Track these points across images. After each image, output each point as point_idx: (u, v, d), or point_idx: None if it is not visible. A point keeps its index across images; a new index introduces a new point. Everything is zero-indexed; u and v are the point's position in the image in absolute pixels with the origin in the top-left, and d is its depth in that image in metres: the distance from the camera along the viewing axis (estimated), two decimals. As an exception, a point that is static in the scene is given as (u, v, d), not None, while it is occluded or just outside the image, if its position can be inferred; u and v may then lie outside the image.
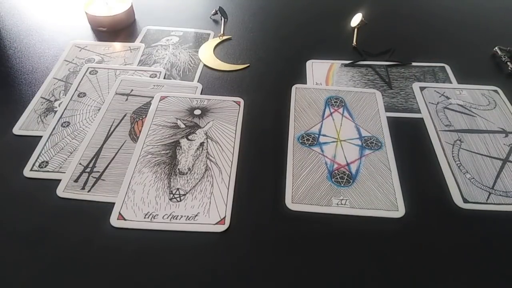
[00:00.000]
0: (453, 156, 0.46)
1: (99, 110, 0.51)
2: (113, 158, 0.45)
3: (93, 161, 0.44)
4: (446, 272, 0.36)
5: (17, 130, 0.48)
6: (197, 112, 0.50)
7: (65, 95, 0.53)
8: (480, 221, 0.40)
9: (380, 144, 0.47)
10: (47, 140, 0.47)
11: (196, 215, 0.40)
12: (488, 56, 0.62)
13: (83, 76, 0.56)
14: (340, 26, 0.68)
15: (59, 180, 0.42)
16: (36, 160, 0.44)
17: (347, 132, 0.48)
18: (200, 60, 0.60)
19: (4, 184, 0.42)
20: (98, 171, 0.43)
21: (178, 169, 0.44)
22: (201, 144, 0.46)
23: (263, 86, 0.56)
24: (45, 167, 0.44)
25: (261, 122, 0.50)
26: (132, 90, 0.54)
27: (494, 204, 0.41)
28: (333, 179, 0.43)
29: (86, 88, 0.54)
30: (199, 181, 0.43)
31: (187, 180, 0.43)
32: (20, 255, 0.36)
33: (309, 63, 0.59)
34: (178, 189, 0.42)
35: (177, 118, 0.50)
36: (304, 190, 0.42)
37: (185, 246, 0.38)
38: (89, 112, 0.51)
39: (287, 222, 0.40)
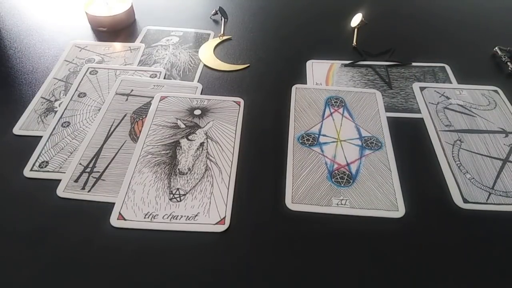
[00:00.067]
0: (453, 156, 0.46)
1: (99, 110, 0.51)
2: (113, 158, 0.45)
3: (93, 161, 0.44)
4: (446, 272, 0.36)
5: (17, 130, 0.48)
6: (197, 112, 0.50)
7: (65, 95, 0.53)
8: (480, 221, 0.40)
9: (380, 144, 0.47)
10: (47, 140, 0.47)
11: (196, 215, 0.40)
12: (488, 56, 0.62)
13: (83, 76, 0.56)
14: (340, 26, 0.68)
15: (59, 180, 0.42)
16: (36, 160, 0.44)
17: (347, 132, 0.48)
18: (200, 60, 0.60)
19: (4, 184, 0.42)
20: (98, 171, 0.43)
21: (178, 169, 0.44)
22: (201, 144, 0.46)
23: (263, 86, 0.56)
24: (45, 167, 0.44)
25: (261, 122, 0.50)
26: (132, 90, 0.54)
27: (494, 204, 0.41)
28: (333, 179, 0.43)
29: (86, 88, 0.54)
30: (199, 181, 0.43)
31: (187, 180, 0.43)
32: (20, 255, 0.37)
33: (309, 63, 0.60)
34: (178, 189, 0.42)
35: (177, 118, 0.50)
36: (304, 190, 0.42)
37: (185, 246, 0.38)
38: (89, 112, 0.51)
39: (287, 222, 0.40)
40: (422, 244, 0.38)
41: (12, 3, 0.72)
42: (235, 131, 0.48)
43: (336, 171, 0.44)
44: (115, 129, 0.48)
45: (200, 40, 0.64)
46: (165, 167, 0.44)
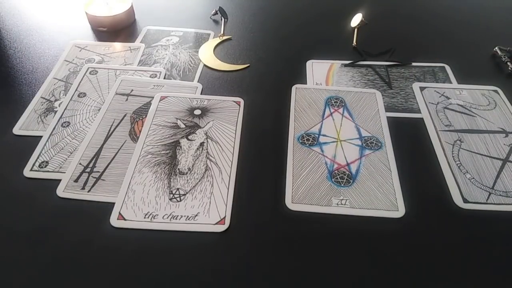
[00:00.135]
0: (453, 156, 0.46)
1: (99, 110, 0.51)
2: (113, 158, 0.45)
3: (93, 161, 0.44)
4: (446, 272, 0.36)
5: (17, 130, 0.48)
6: (197, 112, 0.50)
7: (65, 95, 0.53)
8: (480, 221, 0.40)
9: (380, 144, 0.47)
10: (47, 140, 0.47)
11: (196, 215, 0.40)
12: (488, 56, 0.62)
13: (83, 76, 0.56)
14: (340, 26, 0.68)
15: (59, 180, 0.42)
16: (36, 160, 0.44)
17: (347, 132, 0.48)
18: (200, 60, 0.60)
19: (4, 184, 0.42)
20: (98, 171, 0.43)
21: (178, 169, 0.44)
22: (201, 144, 0.46)
23: (263, 86, 0.56)
24: (45, 167, 0.44)
25: (261, 122, 0.50)
26: (132, 90, 0.54)
27: (494, 204, 0.41)
28: (333, 179, 0.43)
29: (86, 88, 0.54)
30: (199, 181, 0.43)
31: (187, 180, 0.43)
32: (20, 255, 0.37)
33: (309, 63, 0.59)
34: (178, 189, 0.42)
35: (177, 118, 0.50)
36: (304, 190, 0.42)
37: (185, 246, 0.38)
38: (89, 112, 0.51)
39: (287, 222, 0.40)
40: (422, 244, 0.38)
41: (12, 3, 0.72)
42: (235, 131, 0.48)
43: (336, 171, 0.44)
44: (115, 129, 0.48)
45: (200, 40, 0.64)
46: (165, 167, 0.44)
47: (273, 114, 0.51)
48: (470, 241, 0.38)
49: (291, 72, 0.58)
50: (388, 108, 0.52)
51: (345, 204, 0.41)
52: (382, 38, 0.65)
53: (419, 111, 0.52)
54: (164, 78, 0.57)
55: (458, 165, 0.45)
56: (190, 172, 0.43)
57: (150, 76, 0.56)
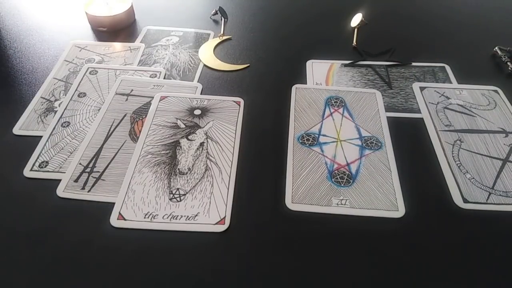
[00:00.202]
0: (453, 156, 0.46)
1: (99, 110, 0.51)
2: (113, 158, 0.45)
3: (93, 161, 0.44)
4: (446, 272, 0.36)
5: (17, 130, 0.48)
6: (197, 112, 0.50)
7: (65, 95, 0.53)
8: (480, 221, 0.40)
9: (380, 144, 0.47)
10: (47, 140, 0.47)
11: (196, 215, 0.40)
12: (488, 56, 0.62)
13: (83, 76, 0.56)
14: (340, 26, 0.68)
15: (59, 180, 0.42)
16: (36, 160, 0.44)
17: (347, 132, 0.48)
18: (200, 60, 0.60)
19: (4, 184, 0.42)
20: (98, 171, 0.43)
21: (178, 169, 0.44)
22: (201, 144, 0.46)
23: (263, 86, 0.56)
24: (45, 167, 0.44)
25: (261, 122, 0.50)
26: (132, 90, 0.54)
27: (494, 204, 0.41)
28: (333, 179, 0.43)
29: (86, 88, 0.54)
30: (199, 181, 0.43)
31: (187, 180, 0.43)
32: (20, 255, 0.37)
33: (309, 63, 0.59)
34: (178, 189, 0.42)
35: (177, 118, 0.50)
36: (304, 190, 0.42)
37: (185, 246, 0.38)
38: (89, 112, 0.51)
39: (287, 222, 0.40)
40: (422, 244, 0.38)
41: (12, 3, 0.72)
42: (235, 131, 0.48)
43: (336, 171, 0.44)
44: (115, 129, 0.48)
45: (200, 40, 0.64)
46: (165, 167, 0.44)
47: (273, 114, 0.51)
48: (470, 241, 0.38)
49: (291, 72, 0.58)
50: (388, 108, 0.52)
51: (345, 204, 0.41)
52: (382, 38, 0.65)
53: (419, 111, 0.52)
54: (164, 78, 0.57)
55: (458, 165, 0.45)
56: (190, 172, 0.43)
57: (150, 76, 0.56)
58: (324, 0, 0.76)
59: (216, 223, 0.39)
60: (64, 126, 0.49)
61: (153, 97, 0.52)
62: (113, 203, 0.40)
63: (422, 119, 0.51)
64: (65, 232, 0.38)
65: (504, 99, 0.54)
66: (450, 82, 0.57)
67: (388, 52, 0.62)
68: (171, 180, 0.43)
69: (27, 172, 0.43)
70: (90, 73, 0.57)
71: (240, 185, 0.43)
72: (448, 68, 0.59)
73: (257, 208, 0.41)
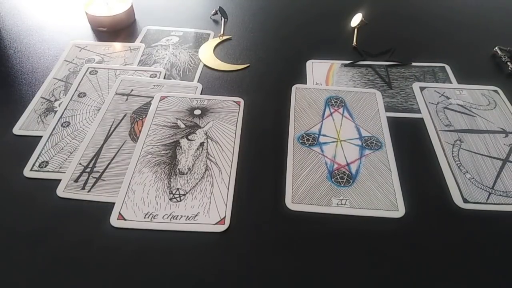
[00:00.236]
0: (453, 156, 0.46)
1: (99, 110, 0.51)
2: (113, 158, 0.45)
3: (93, 161, 0.44)
4: (446, 272, 0.36)
5: (17, 130, 0.48)
6: (197, 112, 0.50)
7: (65, 95, 0.53)
8: (480, 221, 0.40)
9: (380, 144, 0.47)
10: (47, 140, 0.47)
11: (196, 215, 0.40)
12: (488, 56, 0.62)
13: (83, 76, 0.56)
14: (340, 26, 0.68)
15: (59, 180, 0.42)
16: (36, 160, 0.44)
17: (347, 132, 0.48)
18: (200, 60, 0.60)
19: (4, 184, 0.42)
20: (98, 171, 0.43)
21: (178, 169, 0.44)
22: (201, 144, 0.46)
23: (263, 86, 0.56)
24: (45, 167, 0.44)
25: (261, 122, 0.50)
26: (132, 90, 0.54)
27: (494, 204, 0.41)
28: (333, 179, 0.43)
29: (86, 88, 0.54)
30: (199, 181, 0.43)
31: (187, 180, 0.43)
32: (20, 255, 0.37)
33: (309, 63, 0.59)
34: (178, 189, 0.42)
35: (177, 118, 0.50)
36: (304, 190, 0.42)
37: (185, 246, 0.38)
38: (89, 112, 0.51)
39: (287, 222, 0.40)
40: (422, 244, 0.38)
41: (12, 3, 0.72)
42: (235, 131, 0.48)
43: (336, 171, 0.44)
44: (115, 129, 0.48)
45: (200, 40, 0.64)
46: (165, 167, 0.44)
47: (273, 114, 0.51)
48: (470, 241, 0.38)
49: (291, 72, 0.58)
50: (388, 108, 0.52)
51: (345, 204, 0.41)
52: (382, 38, 0.65)
53: (419, 111, 0.52)
54: (164, 78, 0.57)
55: (458, 165, 0.45)
56: (190, 172, 0.43)
57: (150, 76, 0.56)
58: (324, 0, 0.76)
59: (216, 223, 0.39)
60: (64, 126, 0.49)
61: (153, 97, 0.52)
62: (113, 203, 0.40)
63: (422, 119, 0.51)
64: (65, 232, 0.38)
65: (504, 99, 0.54)
66: (450, 82, 0.57)
67: (388, 52, 0.62)
68: (171, 180, 0.43)
69: (27, 172, 0.43)
70: (90, 73, 0.57)
71: (240, 185, 0.43)
72: (448, 68, 0.59)
73: (257, 208, 0.41)
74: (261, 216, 0.40)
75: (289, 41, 0.65)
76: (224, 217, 0.40)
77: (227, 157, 0.45)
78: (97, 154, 0.45)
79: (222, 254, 0.37)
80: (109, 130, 0.48)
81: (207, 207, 0.40)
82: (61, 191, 0.41)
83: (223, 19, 0.68)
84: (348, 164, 0.45)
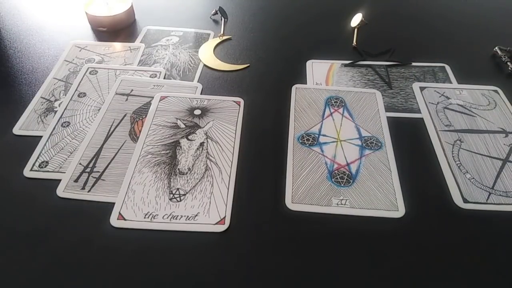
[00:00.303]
0: (453, 156, 0.46)
1: (99, 110, 0.51)
2: (113, 158, 0.45)
3: (93, 161, 0.44)
4: (446, 272, 0.36)
5: (17, 130, 0.48)
6: (197, 112, 0.50)
7: (65, 95, 0.53)
8: (480, 221, 0.40)
9: (380, 144, 0.47)
10: (47, 140, 0.47)
11: (196, 215, 0.40)
12: (488, 56, 0.62)
13: (83, 76, 0.56)
14: (340, 26, 0.68)
15: (59, 180, 0.42)
16: (36, 160, 0.44)
17: (347, 132, 0.48)
18: (200, 60, 0.60)
19: (4, 184, 0.42)
20: (98, 171, 0.43)
21: (178, 169, 0.44)
22: (201, 144, 0.46)
23: (263, 86, 0.56)
24: (45, 167, 0.44)
25: (261, 122, 0.50)
26: (132, 90, 0.54)
27: (494, 204, 0.41)
28: (333, 179, 0.43)
29: (86, 88, 0.54)
30: (199, 181, 0.43)
31: (187, 180, 0.43)
32: (20, 255, 0.37)
33: (309, 63, 0.59)
34: (178, 189, 0.42)
35: (177, 118, 0.50)
36: (304, 190, 0.42)
37: (185, 246, 0.38)
38: (89, 112, 0.51)
39: (287, 222, 0.40)
40: (422, 244, 0.38)
41: (12, 3, 0.72)
42: (235, 131, 0.48)
43: (336, 171, 0.44)
44: (115, 129, 0.48)
45: (200, 40, 0.64)
46: (165, 167, 0.44)
47: (273, 114, 0.51)
48: (470, 241, 0.38)
49: (291, 72, 0.58)
50: (388, 108, 0.52)
51: (345, 204, 0.41)
52: (382, 38, 0.65)
53: (419, 111, 0.52)
54: (164, 78, 0.57)
55: (458, 165, 0.45)
56: (190, 172, 0.43)
57: (150, 76, 0.56)
58: (324, 0, 0.76)
59: (216, 223, 0.39)
60: (64, 126, 0.49)
61: (153, 97, 0.52)
62: (113, 203, 0.40)
63: (422, 119, 0.51)
64: (65, 232, 0.38)
65: (504, 99, 0.54)
66: (450, 82, 0.57)
67: (388, 52, 0.62)
68: (171, 180, 0.43)
69: (27, 172, 0.43)
70: (90, 73, 0.57)
71: (240, 185, 0.43)
72: (448, 68, 0.59)
73: (257, 208, 0.41)
74: (261, 216, 0.40)
75: (289, 41, 0.65)
76: (224, 217, 0.40)
77: (227, 157, 0.45)
78: (97, 154, 0.45)
79: (222, 254, 0.37)
80: (109, 130, 0.48)
81: (207, 207, 0.40)
82: (61, 191, 0.41)
83: (223, 19, 0.68)
84: (348, 164, 0.45)
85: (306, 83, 0.56)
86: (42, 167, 0.44)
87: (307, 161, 0.45)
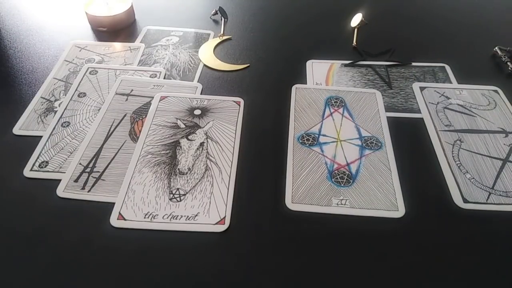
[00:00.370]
0: (453, 156, 0.46)
1: (99, 110, 0.51)
2: (113, 158, 0.45)
3: (93, 161, 0.44)
4: (446, 272, 0.36)
5: (17, 130, 0.48)
6: (197, 112, 0.50)
7: (65, 95, 0.53)
8: (480, 221, 0.40)
9: (380, 144, 0.47)
10: (47, 140, 0.47)
11: (196, 215, 0.40)
12: (488, 56, 0.62)
13: (83, 76, 0.56)
14: (340, 26, 0.68)
15: (59, 180, 0.42)
16: (36, 160, 0.44)
17: (347, 132, 0.48)
18: (200, 60, 0.60)
19: (4, 184, 0.42)
20: (98, 171, 0.43)
21: (178, 169, 0.44)
22: (201, 144, 0.46)
23: (263, 86, 0.56)
24: (45, 167, 0.44)
25: (261, 122, 0.50)
26: (132, 90, 0.54)
27: (494, 204, 0.41)
28: (333, 179, 0.43)
29: (86, 88, 0.54)
30: (199, 181, 0.43)
31: (187, 180, 0.43)
32: (20, 255, 0.37)
33: (309, 63, 0.59)
34: (178, 189, 0.42)
35: (177, 118, 0.50)
36: (304, 190, 0.42)
37: (185, 246, 0.38)
38: (89, 112, 0.51)
39: (287, 222, 0.40)
40: (422, 244, 0.38)
41: (12, 3, 0.72)
42: (235, 131, 0.48)
43: (336, 171, 0.44)
44: (115, 129, 0.48)
45: (200, 40, 0.64)
46: (165, 167, 0.44)
47: (273, 114, 0.51)
48: (470, 241, 0.38)
49: (291, 72, 0.58)
50: (388, 108, 0.52)
51: (345, 204, 0.41)
52: (382, 38, 0.65)
53: (419, 111, 0.52)
54: (164, 78, 0.57)
55: (458, 165, 0.45)
56: (190, 172, 0.43)
57: (150, 76, 0.56)
58: (324, 0, 0.76)
59: (216, 223, 0.39)
60: (64, 126, 0.49)
61: (153, 97, 0.52)
62: (113, 203, 0.40)
63: (422, 119, 0.51)
64: (65, 232, 0.38)
65: (504, 99, 0.54)
66: (450, 82, 0.57)
67: (388, 52, 0.62)
68: (171, 180, 0.43)
69: (27, 172, 0.43)
70: (90, 73, 0.57)
71: (240, 185, 0.43)
72: (448, 68, 0.59)
73: (257, 208, 0.41)
74: (261, 216, 0.40)
75: (289, 41, 0.65)
76: (224, 217, 0.40)
77: (227, 157, 0.45)
78: (97, 154, 0.45)
79: (222, 254, 0.37)
80: (109, 130, 0.48)
81: (207, 207, 0.40)
82: (61, 191, 0.41)
83: (223, 19, 0.68)
84: (348, 164, 0.45)
85: (306, 83, 0.56)
86: (42, 167, 0.44)
87: (307, 161, 0.45)
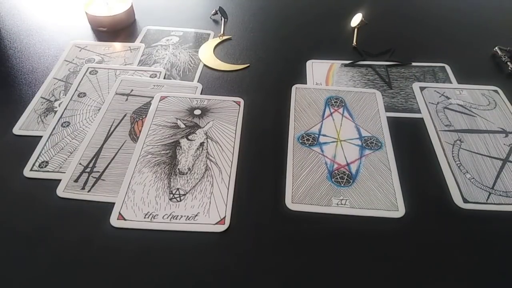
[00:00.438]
0: (453, 156, 0.46)
1: (99, 110, 0.51)
2: (113, 158, 0.45)
3: (93, 161, 0.44)
4: (446, 272, 0.36)
5: (17, 130, 0.48)
6: (197, 112, 0.50)
7: (65, 95, 0.53)
8: (480, 221, 0.40)
9: (380, 144, 0.47)
10: (47, 140, 0.47)
11: (196, 215, 0.40)
12: (488, 56, 0.62)
13: (83, 76, 0.56)
14: (340, 26, 0.68)
15: (59, 180, 0.42)
16: (36, 160, 0.44)
17: (347, 132, 0.48)
18: (200, 60, 0.60)
19: (4, 184, 0.42)
20: (98, 171, 0.43)
21: (178, 169, 0.44)
22: (201, 144, 0.46)
23: (263, 86, 0.56)
24: (45, 167, 0.44)
25: (261, 122, 0.50)
26: (132, 90, 0.54)
27: (494, 204, 0.41)
28: (333, 179, 0.43)
29: (86, 88, 0.54)
30: (199, 181, 0.43)
31: (187, 180, 0.43)
32: (20, 255, 0.37)
33: (309, 63, 0.59)
34: (178, 189, 0.42)
35: (177, 118, 0.50)
36: (304, 190, 0.42)
37: (185, 246, 0.38)
38: (89, 112, 0.51)
39: (287, 222, 0.40)
40: (422, 244, 0.38)
41: (12, 3, 0.72)
42: (235, 131, 0.48)
43: (336, 171, 0.44)
44: (115, 129, 0.48)
45: (200, 40, 0.64)
46: (165, 167, 0.44)
47: (273, 114, 0.51)
48: (470, 241, 0.38)
49: (291, 72, 0.58)
50: (388, 108, 0.52)
51: (345, 204, 0.41)
52: (382, 38, 0.65)
53: (419, 111, 0.52)
54: (164, 78, 0.57)
55: (458, 165, 0.45)
56: (190, 172, 0.43)
57: (150, 76, 0.56)
58: (324, 0, 0.76)
59: (216, 223, 0.39)
60: (64, 126, 0.49)
61: (153, 97, 0.52)
62: (113, 203, 0.40)
63: (422, 119, 0.51)
64: (65, 232, 0.38)
65: (504, 99, 0.54)
66: (450, 82, 0.57)
67: (388, 52, 0.62)
68: (171, 180, 0.43)
69: (27, 172, 0.43)
70: (90, 73, 0.57)
71: (240, 185, 0.43)
72: (448, 68, 0.59)
73: (257, 208, 0.41)
74: (261, 216, 0.40)
75: (289, 41, 0.65)
76: (224, 217, 0.40)
77: (227, 157, 0.45)
78: (97, 154, 0.45)
79: (222, 254, 0.37)
80: (109, 130, 0.48)
81: (207, 207, 0.40)
82: (61, 191, 0.41)
83: (223, 19, 0.68)
84: (348, 164, 0.45)
85: (306, 83, 0.56)
86: (42, 167, 0.44)
87: (307, 161, 0.45)
